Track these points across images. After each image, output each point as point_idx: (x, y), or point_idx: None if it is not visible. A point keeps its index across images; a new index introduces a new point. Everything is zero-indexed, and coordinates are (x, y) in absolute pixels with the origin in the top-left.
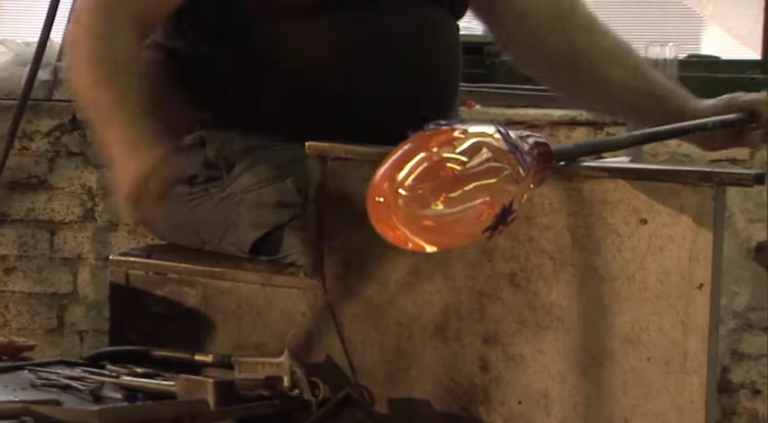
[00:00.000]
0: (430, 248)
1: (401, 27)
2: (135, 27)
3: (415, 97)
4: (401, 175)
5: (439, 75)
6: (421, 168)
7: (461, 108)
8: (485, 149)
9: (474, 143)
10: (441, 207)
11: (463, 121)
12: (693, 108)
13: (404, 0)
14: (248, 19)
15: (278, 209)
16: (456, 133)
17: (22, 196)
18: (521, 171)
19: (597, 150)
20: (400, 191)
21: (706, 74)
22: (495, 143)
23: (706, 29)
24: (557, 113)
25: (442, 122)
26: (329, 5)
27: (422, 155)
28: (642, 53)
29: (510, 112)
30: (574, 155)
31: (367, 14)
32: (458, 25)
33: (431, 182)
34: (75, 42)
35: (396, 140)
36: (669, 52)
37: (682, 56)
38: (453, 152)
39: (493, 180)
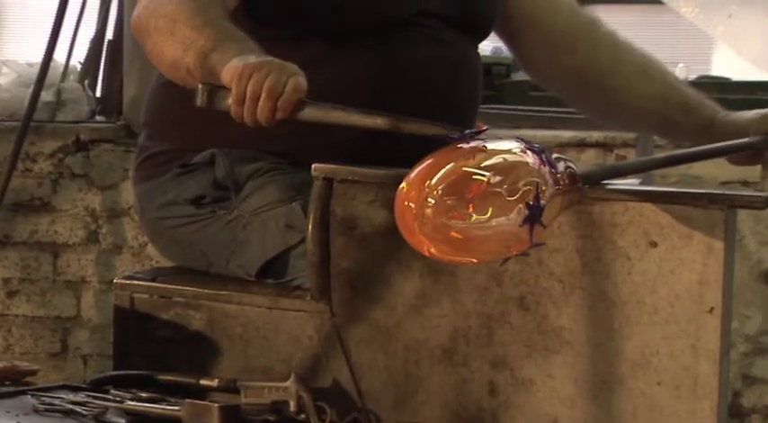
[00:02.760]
0: (450, 259)
1: (425, 60)
2: None
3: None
4: (431, 183)
5: (460, 107)
6: (450, 180)
7: None
8: (515, 168)
9: (506, 160)
10: (470, 220)
11: (498, 138)
12: (723, 119)
13: (430, 31)
14: (271, 39)
15: (285, 232)
16: (490, 148)
17: (25, 218)
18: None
19: (622, 173)
20: (429, 199)
21: (716, 95)
22: (526, 162)
23: (716, 50)
24: (566, 135)
25: (475, 136)
26: (352, 33)
27: (452, 165)
28: None
29: (518, 133)
30: (599, 177)
31: (390, 45)
32: (479, 53)
33: (459, 195)
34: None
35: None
36: (680, 73)
37: (692, 77)
38: (485, 168)
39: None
